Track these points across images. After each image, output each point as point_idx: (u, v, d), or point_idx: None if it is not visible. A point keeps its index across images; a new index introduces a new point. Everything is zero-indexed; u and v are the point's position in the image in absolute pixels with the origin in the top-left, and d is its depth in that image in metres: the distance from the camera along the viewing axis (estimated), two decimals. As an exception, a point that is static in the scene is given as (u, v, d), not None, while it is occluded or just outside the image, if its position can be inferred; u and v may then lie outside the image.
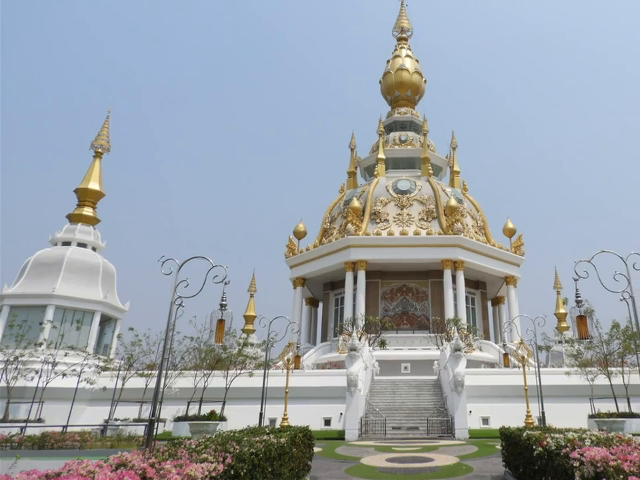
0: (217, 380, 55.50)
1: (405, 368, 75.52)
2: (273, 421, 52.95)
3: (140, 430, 43.29)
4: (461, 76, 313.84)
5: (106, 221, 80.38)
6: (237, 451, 14.59)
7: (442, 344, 73.54)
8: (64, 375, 54.73)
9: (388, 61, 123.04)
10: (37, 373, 54.17)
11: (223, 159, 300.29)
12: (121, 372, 55.97)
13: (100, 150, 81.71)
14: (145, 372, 55.79)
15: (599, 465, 12.33)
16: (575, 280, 26.69)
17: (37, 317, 65.25)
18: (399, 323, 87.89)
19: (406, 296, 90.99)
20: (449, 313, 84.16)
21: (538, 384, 49.43)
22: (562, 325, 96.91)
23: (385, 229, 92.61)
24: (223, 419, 51.12)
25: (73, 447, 32.15)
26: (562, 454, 14.77)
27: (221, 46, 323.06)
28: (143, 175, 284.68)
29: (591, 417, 50.92)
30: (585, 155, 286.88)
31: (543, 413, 48.26)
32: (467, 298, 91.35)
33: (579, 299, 28.97)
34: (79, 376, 54.65)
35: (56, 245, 74.98)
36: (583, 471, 12.60)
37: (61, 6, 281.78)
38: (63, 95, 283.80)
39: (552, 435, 17.71)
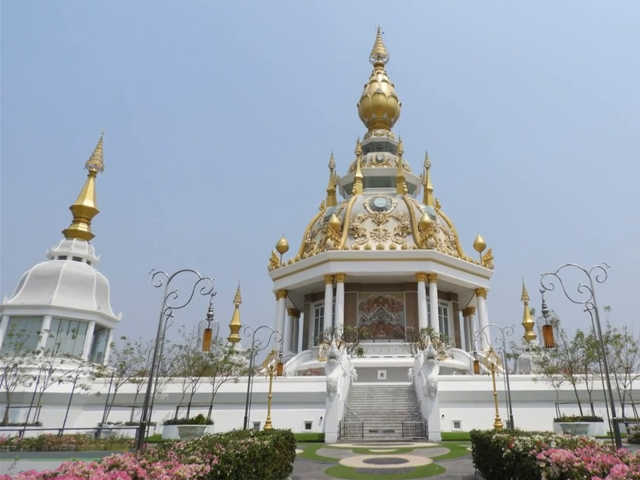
0: (204, 386, 55.74)
1: (381, 374, 75.58)
2: (257, 424, 53.01)
3: (132, 433, 43.29)
4: (434, 99, 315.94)
5: (100, 236, 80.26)
6: (223, 452, 14.59)
7: (416, 352, 73.68)
8: (60, 381, 54.95)
9: (365, 86, 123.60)
10: (34, 379, 54.30)
11: (210, 178, 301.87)
12: (113, 378, 56.11)
13: (94, 169, 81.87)
14: (137, 378, 55.93)
15: (564, 465, 12.38)
16: (542, 292, 26.76)
17: (35, 326, 65.39)
18: (375, 332, 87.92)
19: (382, 307, 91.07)
20: (423, 323, 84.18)
21: (506, 389, 49.48)
22: (529, 334, 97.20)
23: (362, 243, 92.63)
24: (210, 422, 51.11)
25: (69, 449, 32.13)
26: (529, 455, 14.82)
27: (208, 72, 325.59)
28: (134, 192, 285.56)
29: (556, 420, 51.10)
30: (551, 174, 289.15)
31: (511, 416, 48.31)
32: (439, 308, 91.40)
33: (545, 309, 29.03)
34: (75, 382, 54.96)
35: (53, 258, 75.11)
36: (549, 472, 12.64)
37: (59, 34, 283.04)
38: (60, 117, 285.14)
39: (520, 437, 17.76)
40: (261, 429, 46.29)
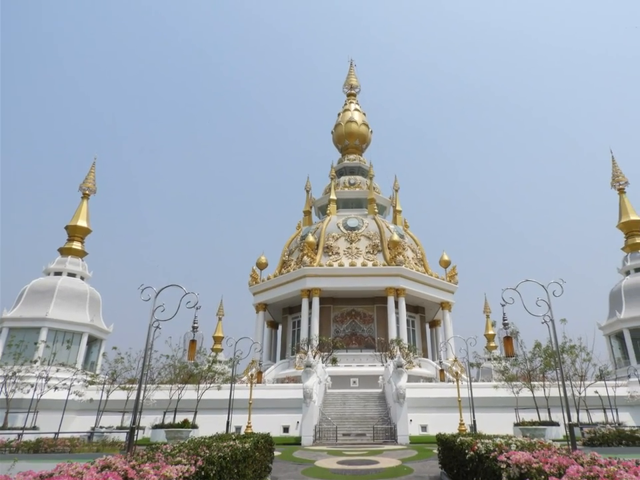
0: (189, 393, 55.63)
1: (354, 382, 75.50)
2: (238, 428, 52.69)
3: (122, 436, 43.03)
4: (403, 127, 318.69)
5: (93, 254, 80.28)
6: (207, 454, 14.63)
7: (386, 361, 73.62)
8: (56, 388, 54.86)
9: (339, 114, 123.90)
10: (32, 386, 54.23)
11: (195, 199, 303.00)
12: (105, 386, 55.85)
13: (87, 192, 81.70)
14: (127, 386, 55.68)
15: (523, 466, 12.42)
16: (502, 305, 26.80)
17: (32, 337, 65.33)
18: (348, 342, 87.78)
19: (354, 319, 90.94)
20: (392, 334, 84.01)
21: (470, 396, 49.51)
22: (491, 345, 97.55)
23: (336, 260, 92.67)
24: (194, 426, 50.92)
25: (64, 451, 31.97)
26: (491, 457, 14.85)
27: (193, 102, 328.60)
28: (124, 213, 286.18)
29: (516, 425, 51.14)
30: (511, 196, 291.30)
31: (474, 421, 48.27)
32: (408, 321, 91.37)
33: (506, 321, 29.10)
34: (69, 389, 54.78)
35: (49, 274, 74.90)
36: (509, 472, 12.67)
37: (54, 67, 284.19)
38: (55, 144, 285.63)
39: (482, 440, 17.77)
40: (242, 432, 45.93)
